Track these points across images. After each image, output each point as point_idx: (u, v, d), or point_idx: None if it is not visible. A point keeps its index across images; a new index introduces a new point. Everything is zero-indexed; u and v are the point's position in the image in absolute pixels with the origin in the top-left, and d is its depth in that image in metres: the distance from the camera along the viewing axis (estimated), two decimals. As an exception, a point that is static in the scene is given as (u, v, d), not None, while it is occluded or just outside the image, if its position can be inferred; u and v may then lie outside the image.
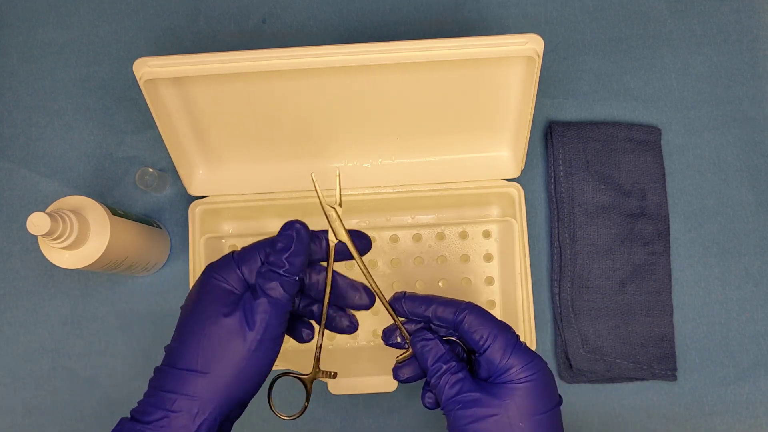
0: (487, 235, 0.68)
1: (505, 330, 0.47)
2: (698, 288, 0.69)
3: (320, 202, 0.49)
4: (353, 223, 0.69)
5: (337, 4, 0.73)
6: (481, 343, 0.46)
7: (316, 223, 0.68)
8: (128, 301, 0.69)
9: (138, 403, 0.45)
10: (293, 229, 0.46)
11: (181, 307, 0.47)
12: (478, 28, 0.72)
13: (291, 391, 0.68)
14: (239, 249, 0.47)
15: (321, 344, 0.50)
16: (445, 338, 0.49)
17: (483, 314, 0.48)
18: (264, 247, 0.47)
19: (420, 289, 0.67)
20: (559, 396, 0.47)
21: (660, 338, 0.67)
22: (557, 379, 0.68)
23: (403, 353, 0.50)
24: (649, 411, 0.67)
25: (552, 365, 0.68)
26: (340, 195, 0.50)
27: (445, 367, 0.47)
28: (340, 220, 0.50)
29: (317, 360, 0.50)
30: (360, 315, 0.67)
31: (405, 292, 0.50)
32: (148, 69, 0.55)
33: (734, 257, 0.69)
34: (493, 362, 0.46)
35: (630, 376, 0.67)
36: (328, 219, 0.49)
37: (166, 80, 0.57)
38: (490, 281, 0.68)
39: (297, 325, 0.50)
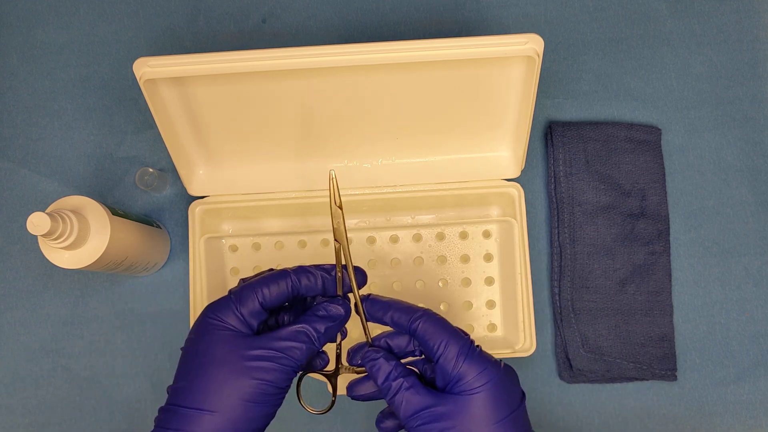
0: (487, 235, 0.68)
1: (456, 337, 0.46)
2: (698, 288, 0.69)
3: (331, 199, 0.49)
4: (353, 223, 0.69)
5: (337, 4, 0.73)
6: (434, 350, 0.46)
7: (315, 223, 0.69)
8: (128, 301, 0.69)
9: None
10: (345, 309, 0.48)
11: (182, 349, 0.47)
12: (478, 28, 0.72)
13: (292, 390, 0.68)
14: (237, 288, 0.47)
15: (342, 341, 0.50)
16: (409, 359, 0.48)
17: (437, 321, 0.46)
18: (261, 287, 0.46)
19: (420, 289, 0.67)
20: (522, 394, 0.46)
21: (660, 338, 0.67)
22: (557, 379, 0.68)
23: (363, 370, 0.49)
24: (649, 411, 0.67)
25: (552, 365, 0.68)
26: (339, 195, 0.49)
27: (394, 384, 0.46)
28: (344, 224, 0.49)
29: (338, 356, 0.50)
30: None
31: (369, 295, 0.49)
32: (148, 69, 0.55)
33: (734, 257, 0.69)
34: (446, 371, 0.45)
35: (630, 376, 0.67)
36: (332, 217, 0.49)
37: (166, 80, 0.57)
38: (490, 281, 0.68)
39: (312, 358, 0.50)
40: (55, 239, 0.53)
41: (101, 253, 0.56)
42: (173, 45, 0.73)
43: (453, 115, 0.64)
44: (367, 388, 0.49)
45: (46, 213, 0.51)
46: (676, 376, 0.67)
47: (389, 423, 0.49)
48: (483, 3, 0.73)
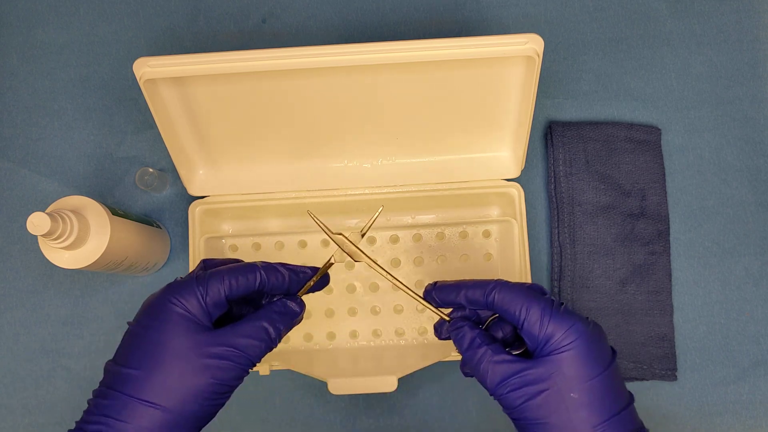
0: (487, 235, 0.68)
1: (537, 299, 0.45)
2: (698, 288, 0.69)
3: (326, 233, 0.49)
4: (353, 223, 0.69)
5: (337, 4, 0.73)
6: (517, 317, 0.44)
7: (315, 223, 0.69)
8: (128, 301, 0.69)
9: (79, 425, 0.42)
10: (301, 308, 0.47)
11: (131, 325, 0.45)
12: (478, 28, 0.72)
13: (291, 390, 0.68)
14: (204, 273, 0.45)
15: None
16: (490, 319, 0.48)
17: (512, 288, 0.45)
18: (229, 277, 0.45)
19: (420, 288, 0.67)
20: (612, 351, 0.45)
21: (660, 338, 0.67)
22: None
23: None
24: (649, 411, 0.67)
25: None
26: (369, 227, 0.50)
27: (479, 351, 0.45)
28: (355, 245, 0.49)
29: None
30: (360, 315, 0.67)
31: (436, 283, 0.49)
32: (148, 69, 0.55)
33: (734, 257, 0.69)
34: (533, 334, 0.44)
35: (630, 375, 0.67)
36: (338, 244, 0.49)
37: (166, 80, 0.57)
38: (490, 281, 0.67)
39: None
40: (55, 239, 0.53)
41: (101, 253, 0.56)
42: (173, 45, 0.73)
43: (453, 115, 0.64)
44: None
45: (46, 213, 0.51)
46: (676, 376, 0.67)
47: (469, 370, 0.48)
48: (483, 3, 0.73)
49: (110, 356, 0.68)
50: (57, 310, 0.69)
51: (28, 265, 0.70)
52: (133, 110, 0.71)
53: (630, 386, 0.68)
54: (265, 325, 0.45)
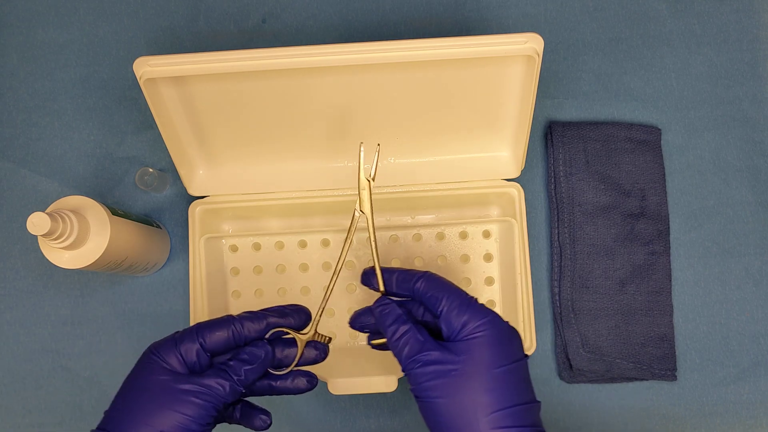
0: (487, 235, 0.68)
1: (458, 291, 0.49)
2: (698, 288, 0.69)
3: (360, 172, 0.53)
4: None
5: (337, 4, 0.73)
6: (436, 305, 0.48)
7: (315, 223, 0.69)
8: (128, 301, 0.69)
9: None
10: (264, 350, 0.49)
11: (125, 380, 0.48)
12: (478, 27, 0.72)
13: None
14: (182, 330, 0.49)
15: (324, 307, 0.52)
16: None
17: (437, 279, 0.50)
18: (202, 331, 0.48)
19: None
20: (524, 354, 0.48)
21: (660, 338, 0.67)
22: (557, 379, 0.68)
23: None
24: (649, 411, 0.67)
25: (552, 365, 0.68)
26: (376, 169, 0.53)
27: (401, 328, 0.48)
28: (370, 193, 0.53)
29: (316, 323, 0.52)
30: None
31: (372, 267, 0.52)
32: (148, 68, 0.55)
33: (734, 257, 0.69)
34: (450, 321, 0.47)
35: (630, 376, 0.67)
36: (359, 190, 0.53)
37: (166, 80, 0.57)
38: (490, 281, 0.68)
39: (253, 413, 0.51)
40: (55, 239, 0.53)
41: (101, 253, 0.56)
42: (173, 45, 0.73)
43: (453, 115, 0.64)
44: (368, 319, 0.53)
45: (46, 213, 0.51)
46: (676, 376, 0.67)
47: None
48: (483, 3, 0.73)
49: (110, 356, 0.69)
50: (57, 310, 0.69)
51: (28, 265, 0.70)
52: (133, 110, 0.72)
53: (630, 386, 0.68)
54: (226, 367, 0.48)
